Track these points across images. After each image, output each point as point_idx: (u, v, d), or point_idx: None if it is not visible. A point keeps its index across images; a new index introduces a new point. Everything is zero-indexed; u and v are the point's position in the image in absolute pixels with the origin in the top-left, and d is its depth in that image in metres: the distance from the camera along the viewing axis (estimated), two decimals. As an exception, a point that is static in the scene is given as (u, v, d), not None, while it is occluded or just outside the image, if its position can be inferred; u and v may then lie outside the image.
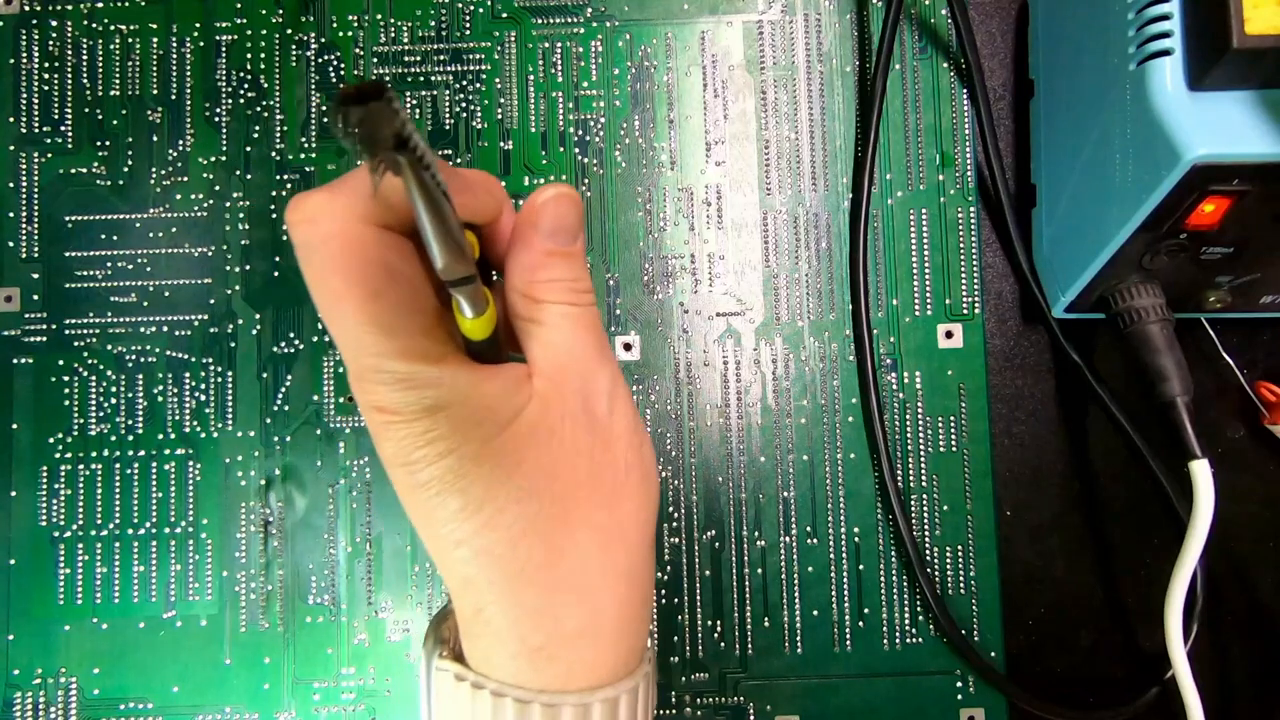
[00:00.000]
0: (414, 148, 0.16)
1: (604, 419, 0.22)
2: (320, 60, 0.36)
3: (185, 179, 0.35)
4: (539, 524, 0.21)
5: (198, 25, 0.36)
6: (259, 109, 0.36)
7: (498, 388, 0.21)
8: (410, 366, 0.20)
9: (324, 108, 0.35)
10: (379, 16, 0.36)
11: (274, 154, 0.35)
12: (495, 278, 0.24)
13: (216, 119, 0.36)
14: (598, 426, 0.22)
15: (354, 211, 0.20)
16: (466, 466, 0.20)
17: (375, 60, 0.36)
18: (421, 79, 0.36)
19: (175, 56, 0.36)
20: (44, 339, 0.35)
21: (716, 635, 0.34)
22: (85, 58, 0.36)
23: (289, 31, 0.36)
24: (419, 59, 0.36)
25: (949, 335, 0.35)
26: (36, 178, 0.35)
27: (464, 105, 0.35)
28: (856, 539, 0.34)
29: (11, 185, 0.35)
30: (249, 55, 0.36)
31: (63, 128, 0.35)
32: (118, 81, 0.36)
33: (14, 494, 0.34)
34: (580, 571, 0.21)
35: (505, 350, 0.22)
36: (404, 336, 0.20)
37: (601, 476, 0.22)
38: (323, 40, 0.36)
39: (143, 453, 0.35)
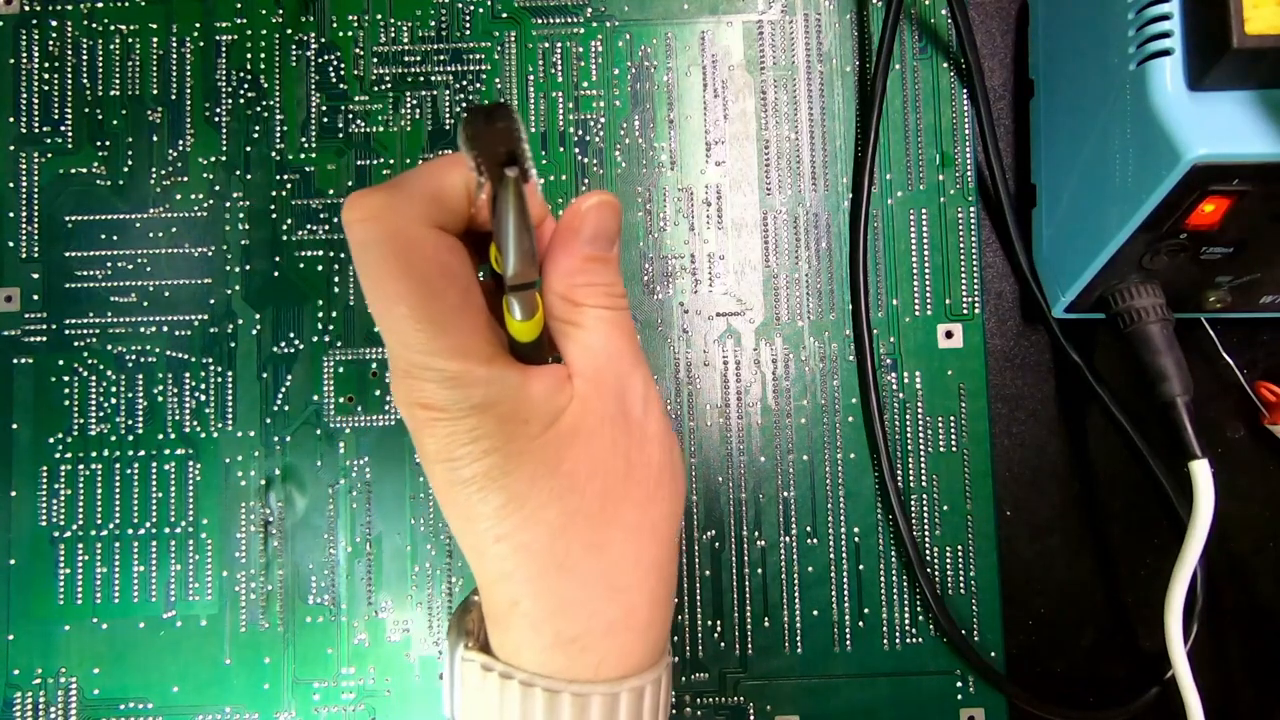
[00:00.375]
0: (524, 165, 0.19)
1: (639, 420, 0.23)
2: (320, 60, 0.36)
3: (185, 179, 0.35)
4: (578, 520, 0.21)
5: (198, 25, 0.36)
6: (259, 109, 0.36)
7: (542, 388, 0.21)
8: (461, 365, 0.20)
9: (324, 109, 0.35)
10: (379, 16, 0.36)
11: (274, 154, 0.35)
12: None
13: (216, 119, 0.36)
14: (634, 427, 0.22)
15: (413, 212, 0.20)
16: (511, 464, 0.21)
17: (375, 60, 0.36)
18: (421, 79, 0.36)
19: (175, 56, 0.36)
20: (44, 339, 0.35)
21: (716, 635, 0.34)
22: (85, 58, 0.36)
23: (289, 31, 0.36)
24: (419, 59, 0.36)
25: (949, 335, 0.35)
26: (36, 178, 0.35)
27: (464, 105, 0.35)
28: (856, 539, 0.34)
29: (11, 185, 0.35)
30: (249, 55, 0.36)
31: (63, 128, 0.35)
32: (118, 81, 0.36)
33: (14, 494, 0.34)
34: (616, 566, 0.22)
35: (546, 352, 0.23)
36: (456, 335, 0.20)
37: (637, 476, 0.22)
38: (323, 40, 0.36)
39: (143, 453, 0.35)
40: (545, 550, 0.21)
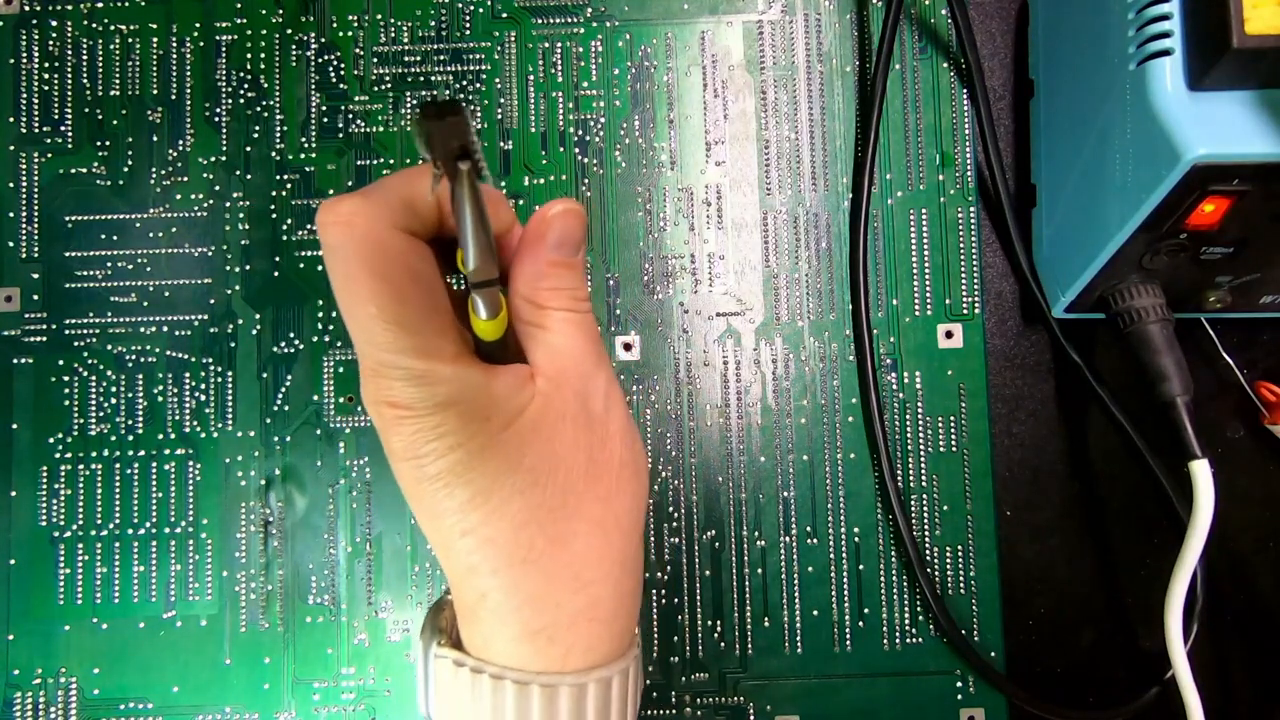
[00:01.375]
0: (476, 159, 0.19)
1: (601, 417, 0.23)
2: (320, 60, 0.36)
3: (185, 179, 0.35)
4: (541, 514, 0.22)
5: (198, 25, 0.36)
6: (259, 109, 0.36)
7: (505, 386, 0.22)
8: (427, 364, 0.21)
9: (324, 109, 0.35)
10: (379, 16, 0.36)
11: (274, 154, 0.35)
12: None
13: (216, 119, 0.36)
14: (595, 424, 0.23)
15: (383, 217, 0.21)
16: (474, 460, 0.21)
17: (375, 60, 0.36)
18: (421, 79, 0.36)
19: (175, 56, 0.36)
20: (44, 339, 0.35)
21: (716, 635, 0.34)
22: (85, 58, 0.36)
23: (289, 31, 0.36)
24: (419, 59, 0.36)
25: (949, 335, 0.35)
26: (36, 178, 0.35)
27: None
28: (856, 539, 0.34)
29: (11, 185, 0.35)
30: (249, 55, 0.36)
31: (63, 128, 0.35)
32: (118, 81, 0.36)
33: (14, 494, 0.34)
34: (580, 559, 0.22)
35: (512, 352, 0.24)
36: (422, 335, 0.21)
37: (598, 471, 0.23)
38: (323, 40, 0.36)
39: (143, 453, 0.35)
40: (510, 543, 0.22)
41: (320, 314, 0.35)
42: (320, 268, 0.35)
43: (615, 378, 0.24)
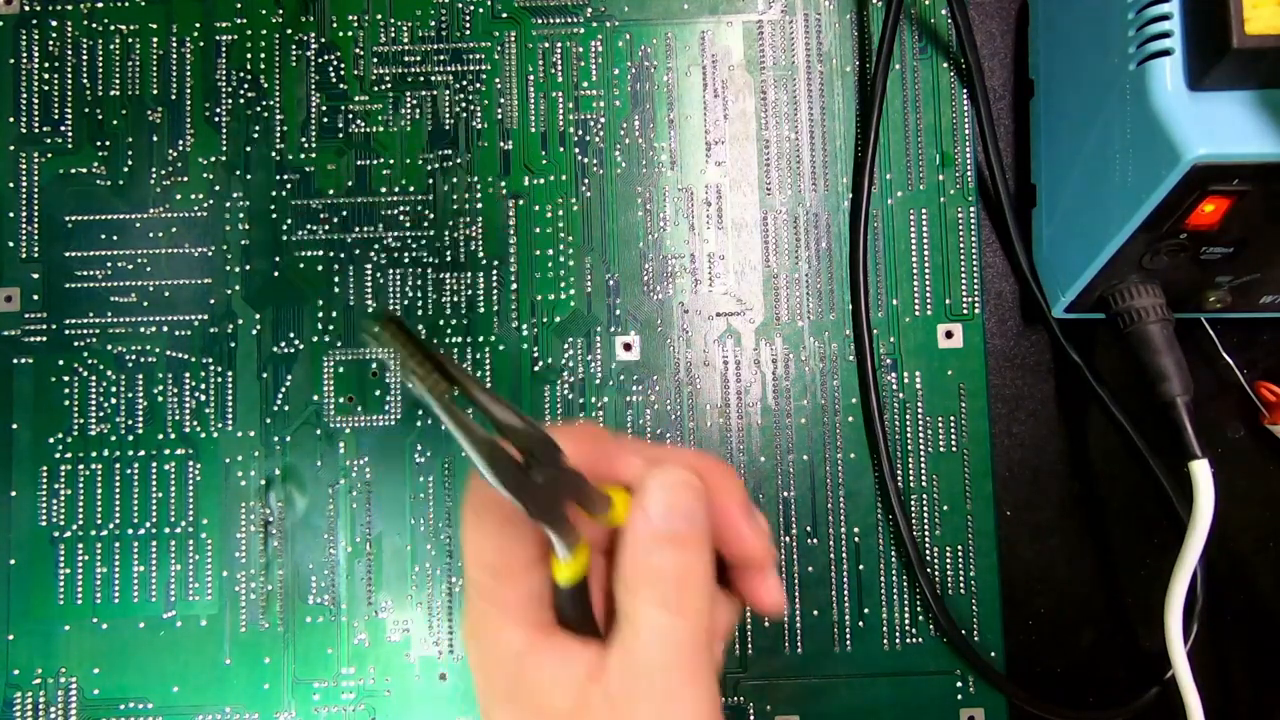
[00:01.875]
0: (439, 379, 0.17)
1: None
2: (320, 60, 0.36)
3: (185, 179, 0.35)
4: None
5: (198, 25, 0.36)
6: (259, 109, 0.36)
7: (539, 673, 0.18)
8: (484, 605, 0.19)
9: (324, 109, 0.35)
10: (379, 16, 0.36)
11: (274, 154, 0.35)
12: None
13: (216, 119, 0.36)
14: None
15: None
16: None
17: (375, 60, 0.36)
18: (421, 79, 0.36)
19: (175, 56, 0.36)
20: (44, 339, 0.35)
21: (716, 635, 0.34)
22: (85, 58, 0.36)
23: (289, 31, 0.36)
24: (419, 59, 0.36)
25: (949, 335, 0.35)
26: (36, 178, 0.35)
27: (464, 105, 0.36)
28: (856, 539, 0.34)
29: (11, 185, 0.35)
30: (249, 55, 0.36)
31: (63, 128, 0.35)
32: (118, 81, 0.36)
33: (14, 494, 0.34)
34: None
35: (592, 615, 0.20)
36: (490, 574, 0.19)
37: None
38: (323, 40, 0.36)
39: (143, 453, 0.35)
40: None
41: (320, 314, 0.35)
42: (320, 267, 0.35)
43: (712, 704, 0.18)
